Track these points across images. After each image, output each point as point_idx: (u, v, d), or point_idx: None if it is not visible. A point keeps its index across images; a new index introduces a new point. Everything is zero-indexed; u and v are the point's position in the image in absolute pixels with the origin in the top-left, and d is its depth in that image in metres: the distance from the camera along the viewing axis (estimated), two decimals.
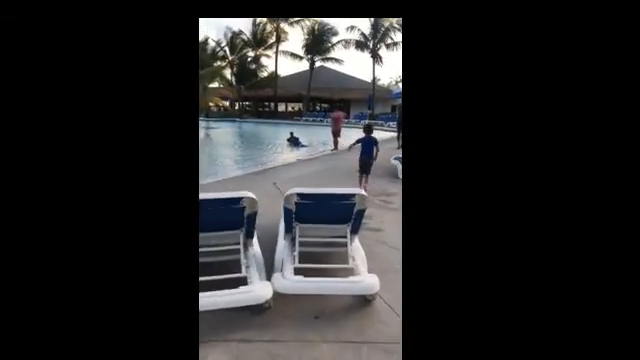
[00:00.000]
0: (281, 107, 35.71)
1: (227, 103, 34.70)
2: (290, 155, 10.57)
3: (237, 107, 33.26)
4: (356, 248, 2.49)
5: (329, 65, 31.65)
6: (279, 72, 31.86)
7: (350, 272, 2.25)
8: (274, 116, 30.55)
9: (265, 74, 31.51)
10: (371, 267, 2.70)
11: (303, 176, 6.23)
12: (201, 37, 30.23)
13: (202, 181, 5.99)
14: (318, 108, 32.19)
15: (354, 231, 2.53)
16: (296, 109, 33.12)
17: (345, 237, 2.47)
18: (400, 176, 5.98)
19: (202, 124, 24.26)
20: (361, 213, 2.37)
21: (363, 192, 2.26)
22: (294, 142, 12.61)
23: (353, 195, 2.26)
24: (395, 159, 6.20)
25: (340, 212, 2.37)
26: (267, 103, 34.10)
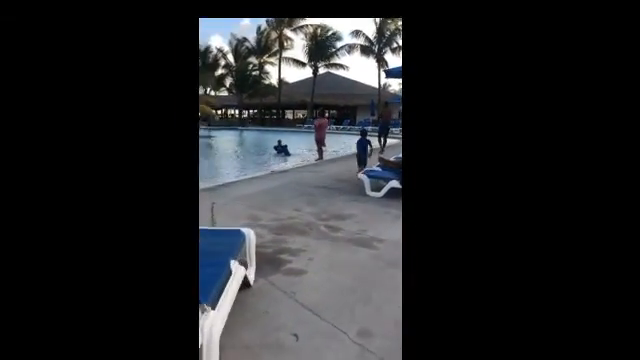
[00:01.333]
0: (290, 115, 35.19)
1: (236, 111, 34.44)
2: (267, 166, 9.72)
3: (244, 115, 32.86)
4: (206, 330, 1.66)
5: (335, 71, 30.98)
6: (284, 79, 31.39)
7: None
8: (279, 124, 29.98)
9: (268, 82, 31.06)
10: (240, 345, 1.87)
11: (256, 193, 5.41)
12: (203, 44, 30.23)
13: None
14: (327, 115, 31.31)
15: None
16: (306, 116, 32.44)
17: None
18: (368, 192, 5.08)
19: (202, 132, 23.94)
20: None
21: None
22: (281, 151, 11.85)
23: None
24: (363, 173, 5.30)
25: None
26: (273, 110, 33.58)
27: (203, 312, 1.76)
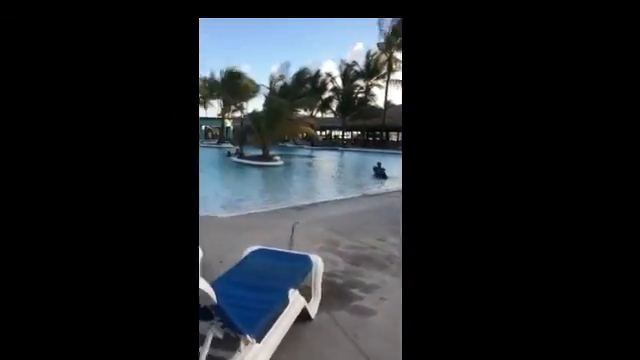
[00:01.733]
0: (394, 137, 34.76)
1: (339, 133, 35.51)
2: (360, 188, 9.50)
3: (347, 136, 33.60)
4: None
5: None
6: (391, 102, 31.18)
7: None
8: (382, 145, 29.76)
9: (374, 103, 31.29)
10: None
11: (341, 216, 5.27)
12: (313, 70, 32.12)
13: (237, 211, 5.57)
14: None
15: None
16: None
17: None
18: None
19: (305, 152, 25.13)
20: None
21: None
22: (379, 173, 11.61)
23: None
24: None
25: None
26: (378, 132, 33.59)
27: (247, 344, 1.65)
